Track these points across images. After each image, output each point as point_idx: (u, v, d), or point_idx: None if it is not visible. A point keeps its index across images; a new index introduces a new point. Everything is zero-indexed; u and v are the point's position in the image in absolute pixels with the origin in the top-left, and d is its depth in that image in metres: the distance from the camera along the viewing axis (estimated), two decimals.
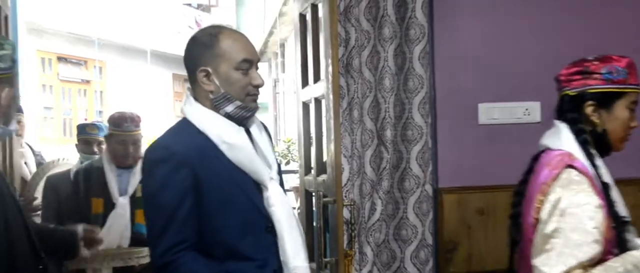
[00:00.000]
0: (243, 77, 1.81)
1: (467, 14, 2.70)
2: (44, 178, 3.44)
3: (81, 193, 3.00)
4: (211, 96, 1.81)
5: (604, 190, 1.73)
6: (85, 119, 11.84)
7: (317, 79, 2.95)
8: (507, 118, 2.71)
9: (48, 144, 9.78)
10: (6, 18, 3.17)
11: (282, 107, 14.15)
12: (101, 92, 13.68)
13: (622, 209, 1.76)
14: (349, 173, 2.56)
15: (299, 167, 3.38)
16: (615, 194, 1.76)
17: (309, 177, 3.09)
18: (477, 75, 2.70)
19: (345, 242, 2.54)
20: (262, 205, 1.83)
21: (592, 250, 1.62)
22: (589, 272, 1.62)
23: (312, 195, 3.18)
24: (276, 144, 9.35)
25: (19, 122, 3.53)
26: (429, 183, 2.63)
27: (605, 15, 2.75)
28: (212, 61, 1.80)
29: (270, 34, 13.02)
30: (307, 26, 3.14)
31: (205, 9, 17.91)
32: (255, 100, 1.85)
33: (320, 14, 2.79)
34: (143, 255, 2.73)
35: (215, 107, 1.82)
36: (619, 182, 1.81)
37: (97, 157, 3.36)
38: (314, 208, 3.19)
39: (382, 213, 2.58)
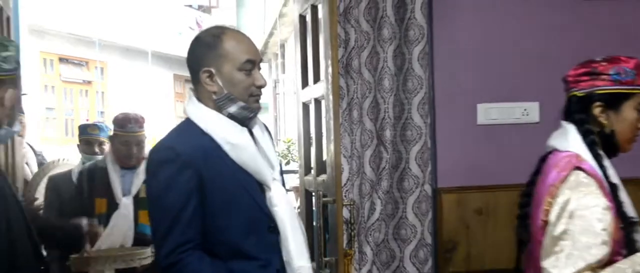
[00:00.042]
0: (246, 77, 1.82)
1: (466, 15, 2.71)
2: (45, 179, 3.45)
3: (85, 193, 3.01)
4: (214, 97, 1.82)
5: (612, 191, 1.73)
6: (87, 120, 11.85)
7: (316, 79, 2.96)
8: (505, 118, 2.71)
9: (50, 144, 9.81)
10: (8, 19, 3.19)
11: (282, 107, 14.16)
12: (103, 92, 13.71)
13: (630, 210, 1.76)
14: (348, 173, 2.57)
15: (299, 167, 3.39)
16: (623, 195, 1.75)
17: (309, 177, 3.10)
18: (475, 76, 2.71)
19: (345, 241, 2.55)
20: (264, 205, 1.84)
21: (601, 252, 1.63)
22: None
23: (312, 195, 3.19)
24: (276, 144, 9.36)
25: (20, 122, 3.54)
26: (428, 183, 2.63)
27: (605, 16, 2.75)
28: (215, 62, 1.80)
29: (271, 35, 13.04)
30: (307, 27, 3.15)
31: (206, 10, 17.93)
32: (258, 101, 1.86)
33: (320, 15, 2.79)
34: (145, 256, 2.73)
35: (219, 107, 1.82)
36: (625, 182, 1.81)
37: (98, 157, 3.37)
38: (313, 208, 3.20)
39: (381, 213, 2.59)
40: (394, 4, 2.59)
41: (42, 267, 1.82)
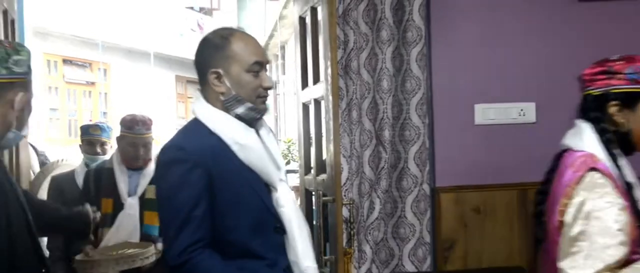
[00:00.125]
0: (254, 79, 1.83)
1: (464, 17, 2.72)
2: (48, 179, 3.47)
3: (92, 193, 3.02)
4: (222, 97, 1.82)
5: (627, 190, 1.72)
6: (90, 120, 11.87)
7: (316, 80, 2.98)
8: (502, 118, 2.73)
9: (54, 145, 9.84)
10: (13, 22, 3.23)
11: (282, 108, 14.18)
12: (106, 93, 13.74)
13: None
14: (348, 172, 2.59)
15: (299, 166, 3.41)
16: (639, 193, 1.74)
17: (309, 177, 3.13)
18: (473, 77, 2.73)
19: (345, 240, 2.57)
20: (271, 206, 1.85)
21: (619, 252, 1.62)
22: None
23: (312, 194, 3.22)
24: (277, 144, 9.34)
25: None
26: (426, 183, 2.66)
27: (601, 18, 2.76)
28: (223, 63, 1.81)
29: (271, 36, 13.06)
30: (306, 29, 3.17)
31: (208, 12, 17.93)
32: (264, 102, 1.87)
33: (320, 17, 2.81)
34: (147, 256, 2.74)
35: (226, 108, 1.83)
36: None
37: (100, 157, 3.39)
38: (313, 207, 3.23)
39: (380, 212, 2.61)
40: (393, 6, 2.60)
41: (43, 270, 1.79)
